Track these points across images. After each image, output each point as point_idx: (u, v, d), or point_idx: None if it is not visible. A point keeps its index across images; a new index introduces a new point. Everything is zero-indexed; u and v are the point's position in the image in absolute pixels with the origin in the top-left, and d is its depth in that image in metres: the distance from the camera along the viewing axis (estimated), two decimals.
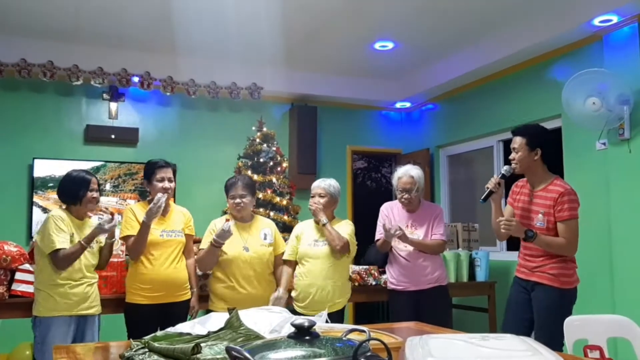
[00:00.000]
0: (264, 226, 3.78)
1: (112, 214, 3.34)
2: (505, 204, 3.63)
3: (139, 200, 4.82)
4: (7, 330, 4.34)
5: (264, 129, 6.13)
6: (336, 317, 3.71)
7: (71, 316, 3.24)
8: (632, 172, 4.43)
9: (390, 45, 5.79)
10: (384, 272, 4.32)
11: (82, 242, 3.23)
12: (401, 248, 4.00)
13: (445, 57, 6.09)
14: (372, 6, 4.87)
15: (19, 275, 3.59)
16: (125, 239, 3.53)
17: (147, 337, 1.75)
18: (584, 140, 4.86)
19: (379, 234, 4.04)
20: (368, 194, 8.31)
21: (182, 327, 1.87)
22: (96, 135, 5.95)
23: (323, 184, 3.88)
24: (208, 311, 3.36)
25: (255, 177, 5.77)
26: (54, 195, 5.74)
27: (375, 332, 1.71)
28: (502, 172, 3.40)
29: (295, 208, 6.02)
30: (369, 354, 1.02)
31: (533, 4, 4.78)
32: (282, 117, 6.82)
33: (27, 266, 3.59)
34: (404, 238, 3.87)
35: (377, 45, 5.80)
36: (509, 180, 3.47)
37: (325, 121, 6.93)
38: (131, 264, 3.58)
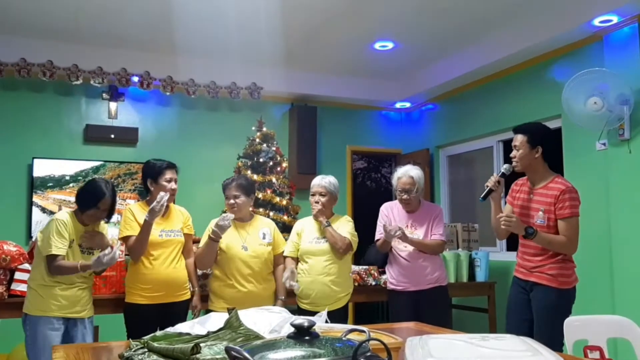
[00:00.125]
0: (263, 226, 3.78)
1: (112, 246, 3.30)
2: (505, 203, 3.62)
3: (138, 200, 4.81)
4: (6, 330, 4.34)
5: (264, 129, 6.13)
6: (341, 312, 3.73)
7: (59, 317, 3.23)
8: (632, 173, 4.43)
9: (390, 45, 5.79)
10: (383, 273, 4.32)
11: (79, 266, 3.20)
12: (401, 248, 4.00)
13: (445, 57, 6.09)
14: (372, 6, 4.87)
15: (18, 275, 3.59)
16: (125, 239, 3.52)
17: (146, 337, 1.75)
18: (584, 141, 4.86)
19: (379, 234, 4.04)
20: (368, 194, 8.31)
21: (181, 327, 1.87)
22: (96, 135, 5.95)
23: (323, 182, 3.88)
24: (208, 311, 3.36)
25: (255, 177, 5.77)
26: (53, 194, 5.75)
27: (375, 332, 1.71)
28: (502, 170, 3.40)
29: (295, 208, 6.02)
30: (368, 354, 1.02)
31: (533, 4, 4.78)
32: (282, 117, 6.83)
33: (26, 266, 3.58)
34: (404, 238, 3.87)
35: (377, 45, 5.80)
36: (509, 179, 3.46)
37: (325, 121, 6.93)
38: (131, 264, 3.57)
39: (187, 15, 4.98)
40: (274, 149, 6.09)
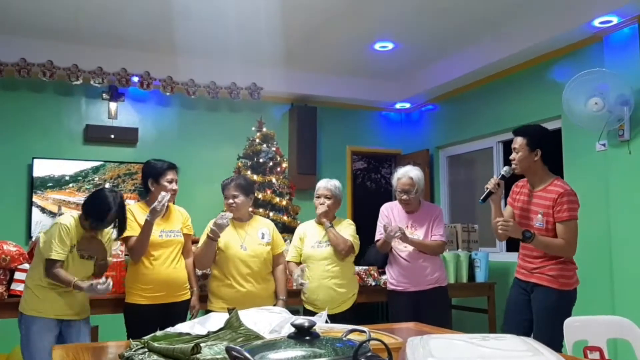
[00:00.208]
0: (262, 226, 3.78)
1: (107, 277, 3.30)
2: (505, 205, 3.62)
3: (138, 200, 4.81)
4: (6, 330, 4.33)
5: (264, 129, 6.13)
6: (347, 315, 3.74)
7: (53, 319, 3.23)
8: (632, 174, 4.43)
9: (390, 45, 5.79)
10: (383, 273, 4.32)
11: (73, 284, 3.16)
12: (401, 249, 4.00)
13: (445, 58, 6.09)
14: (372, 6, 4.87)
15: (18, 275, 3.59)
16: (125, 239, 3.52)
17: (146, 337, 1.75)
18: (583, 142, 4.86)
19: (379, 235, 4.04)
20: (368, 194, 8.30)
21: (181, 327, 1.87)
22: (96, 135, 5.95)
23: (329, 185, 3.93)
24: (207, 311, 3.36)
25: (255, 177, 5.77)
26: (53, 195, 5.75)
27: (375, 332, 1.71)
28: (502, 172, 3.40)
29: (295, 208, 6.02)
30: (369, 354, 1.02)
31: (533, 4, 4.78)
32: (282, 117, 6.83)
33: (26, 266, 3.58)
34: (404, 238, 3.87)
35: (377, 46, 5.80)
36: (509, 181, 3.46)
37: (325, 121, 6.93)
38: (130, 264, 3.57)
39: (187, 15, 4.98)
40: (273, 149, 6.09)
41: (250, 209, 3.88)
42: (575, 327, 2.86)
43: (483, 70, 5.78)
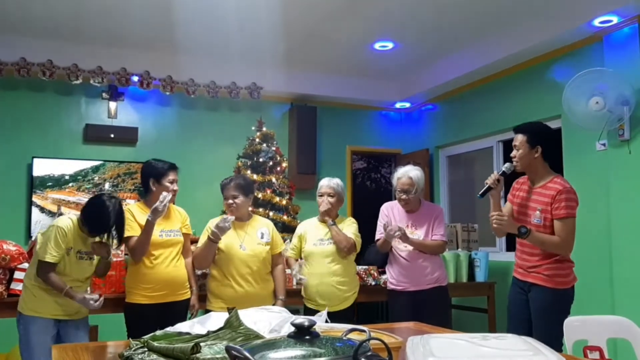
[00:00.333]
0: (262, 225, 3.78)
1: (100, 295, 3.31)
2: (505, 201, 3.62)
3: (138, 200, 4.81)
4: (6, 330, 4.33)
5: (264, 129, 6.13)
6: (345, 315, 3.74)
7: (50, 319, 3.23)
8: (632, 173, 4.43)
9: (390, 45, 5.79)
10: (383, 272, 4.32)
11: (65, 291, 3.17)
12: (401, 248, 4.00)
13: (444, 57, 6.09)
14: (372, 6, 4.86)
15: (18, 275, 3.59)
16: (125, 240, 3.51)
17: (146, 337, 1.75)
18: (583, 141, 4.86)
19: (379, 234, 4.04)
20: (367, 194, 8.30)
21: (181, 327, 1.87)
22: (95, 135, 5.94)
23: (332, 183, 3.96)
24: (207, 311, 3.36)
25: (255, 177, 5.77)
26: (52, 194, 5.75)
27: (375, 332, 1.70)
28: (503, 169, 3.39)
29: (295, 208, 6.02)
30: (369, 353, 1.02)
31: (533, 4, 4.77)
32: (282, 117, 6.82)
33: (25, 265, 3.58)
34: (404, 238, 3.87)
35: (377, 45, 5.80)
36: (510, 178, 3.46)
37: (325, 121, 6.93)
38: (131, 264, 3.57)
39: (187, 14, 4.98)
40: (273, 149, 6.09)
41: (250, 209, 3.88)
42: (575, 327, 2.86)
43: (483, 70, 5.78)
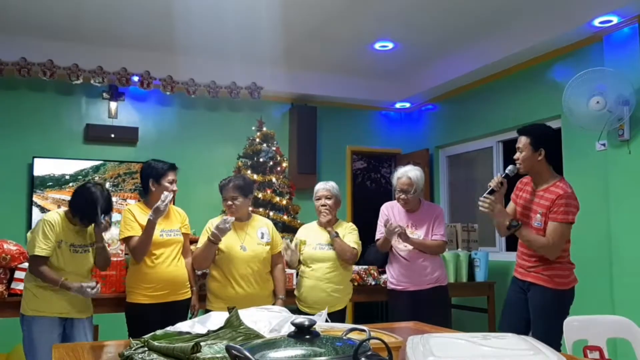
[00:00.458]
0: (261, 225, 3.78)
1: (97, 282, 3.31)
2: (509, 200, 3.62)
3: (139, 200, 4.81)
4: (6, 330, 4.33)
5: (264, 129, 6.13)
6: (337, 316, 3.74)
7: (55, 317, 3.23)
8: (632, 173, 4.43)
9: (390, 45, 5.79)
10: (383, 272, 4.32)
11: (60, 283, 3.17)
12: (401, 248, 4.01)
13: (444, 57, 6.09)
14: (372, 6, 4.86)
15: (18, 274, 3.59)
16: (126, 240, 3.52)
17: (146, 336, 1.75)
18: (583, 141, 4.86)
19: (379, 234, 4.05)
20: (367, 194, 8.30)
21: (181, 326, 1.87)
22: (96, 135, 5.94)
23: (327, 186, 3.97)
24: (206, 311, 3.36)
25: (255, 177, 5.77)
26: (53, 194, 5.75)
27: (375, 331, 1.70)
28: (506, 171, 3.39)
29: (295, 208, 6.02)
30: (369, 353, 1.02)
31: (533, 4, 4.78)
32: (282, 117, 6.82)
33: (26, 265, 3.58)
34: (404, 237, 3.88)
35: (377, 45, 5.80)
36: (513, 179, 3.46)
37: (325, 121, 6.93)
38: (132, 264, 3.57)
39: (187, 14, 4.98)
40: (273, 148, 6.09)
41: (250, 209, 3.88)
42: (575, 327, 2.86)
43: (483, 70, 5.78)
